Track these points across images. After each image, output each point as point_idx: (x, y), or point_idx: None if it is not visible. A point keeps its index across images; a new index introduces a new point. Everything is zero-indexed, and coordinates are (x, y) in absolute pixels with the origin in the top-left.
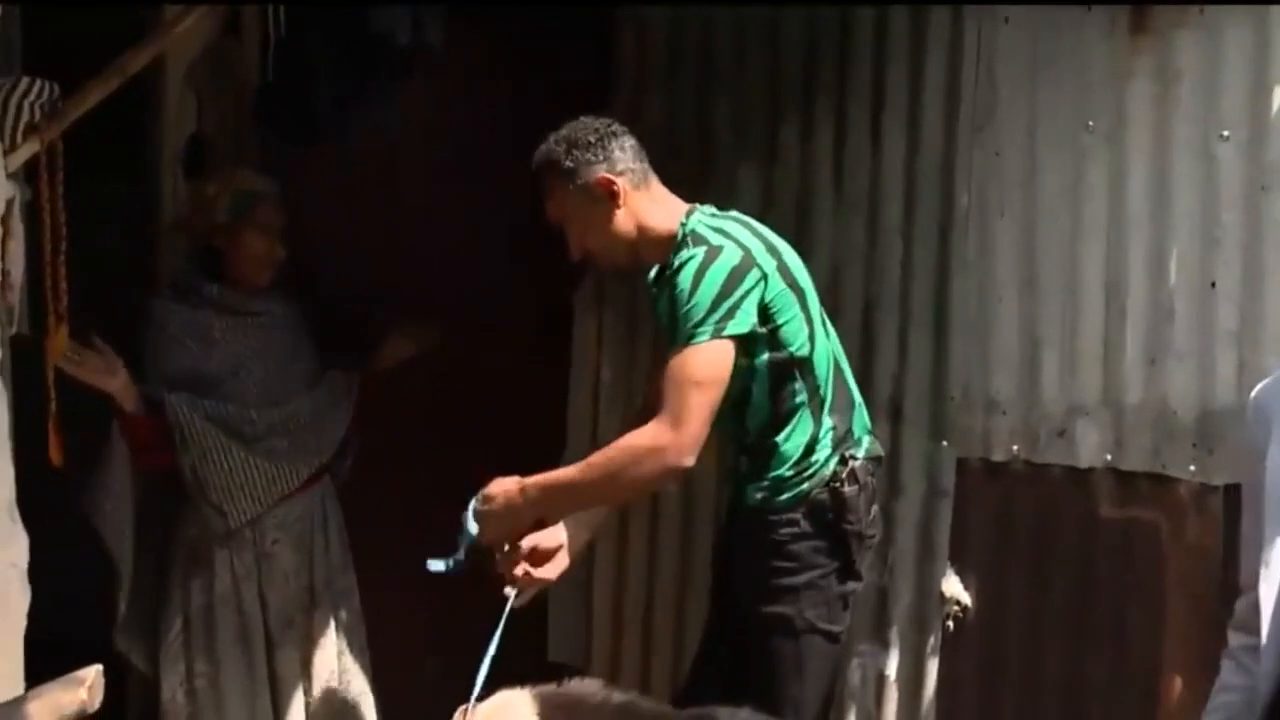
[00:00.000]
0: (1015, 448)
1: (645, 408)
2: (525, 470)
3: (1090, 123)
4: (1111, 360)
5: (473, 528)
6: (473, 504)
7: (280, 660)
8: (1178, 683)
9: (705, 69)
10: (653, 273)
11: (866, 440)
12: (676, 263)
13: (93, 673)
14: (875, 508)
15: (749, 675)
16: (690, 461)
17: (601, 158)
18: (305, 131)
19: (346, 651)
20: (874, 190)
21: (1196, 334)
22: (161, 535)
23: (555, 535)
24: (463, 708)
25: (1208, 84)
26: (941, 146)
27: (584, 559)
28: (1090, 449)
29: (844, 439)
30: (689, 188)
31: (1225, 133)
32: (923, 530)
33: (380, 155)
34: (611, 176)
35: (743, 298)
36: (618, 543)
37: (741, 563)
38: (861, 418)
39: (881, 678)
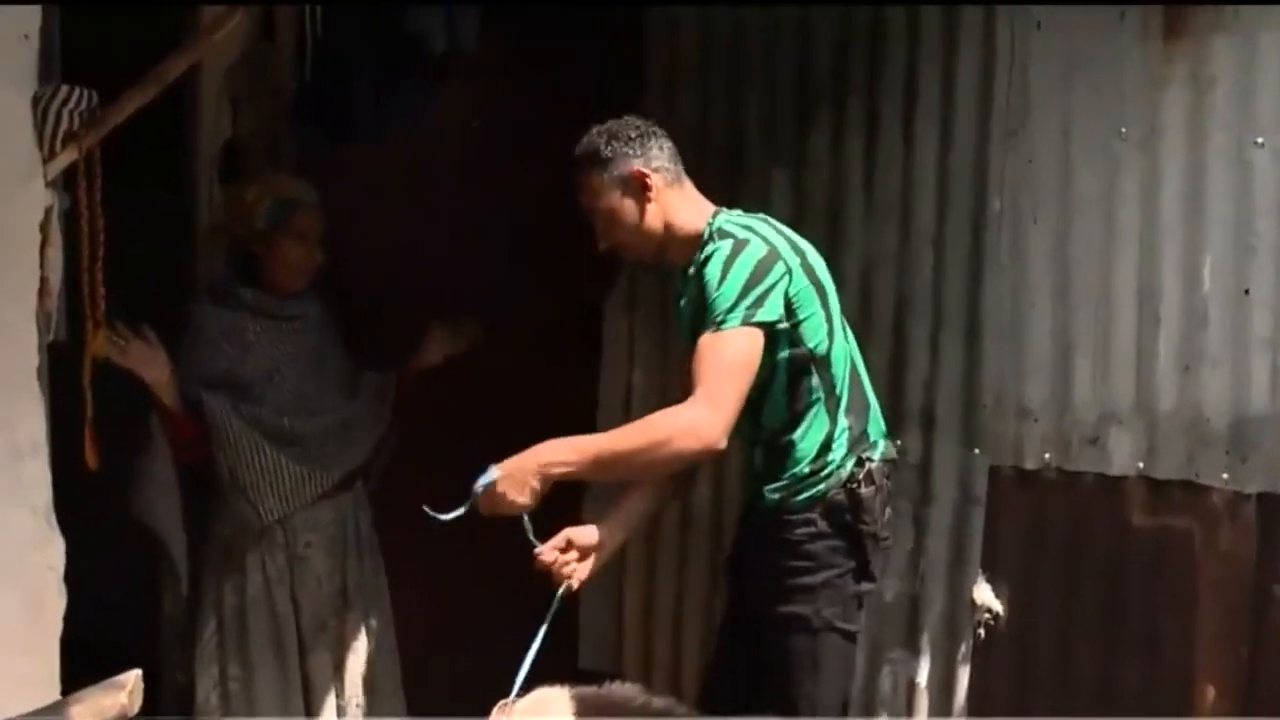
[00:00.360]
0: (1047, 455)
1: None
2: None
3: (1123, 129)
4: (1144, 367)
5: (493, 471)
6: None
7: (312, 664)
8: (1210, 691)
9: (736, 72)
10: (684, 272)
11: (882, 443)
12: (704, 255)
13: (133, 677)
14: (889, 510)
15: (766, 675)
16: (724, 443)
17: (639, 152)
18: (342, 132)
19: (377, 655)
20: (906, 194)
21: (1230, 341)
22: (195, 537)
23: (590, 533)
24: (502, 703)
25: (1242, 90)
26: (974, 151)
27: (615, 565)
28: (1123, 456)
29: (859, 440)
30: (720, 191)
31: (1260, 139)
32: (954, 538)
33: (414, 157)
34: (646, 171)
35: (770, 288)
36: (648, 548)
37: (758, 563)
38: (877, 421)
39: (913, 685)
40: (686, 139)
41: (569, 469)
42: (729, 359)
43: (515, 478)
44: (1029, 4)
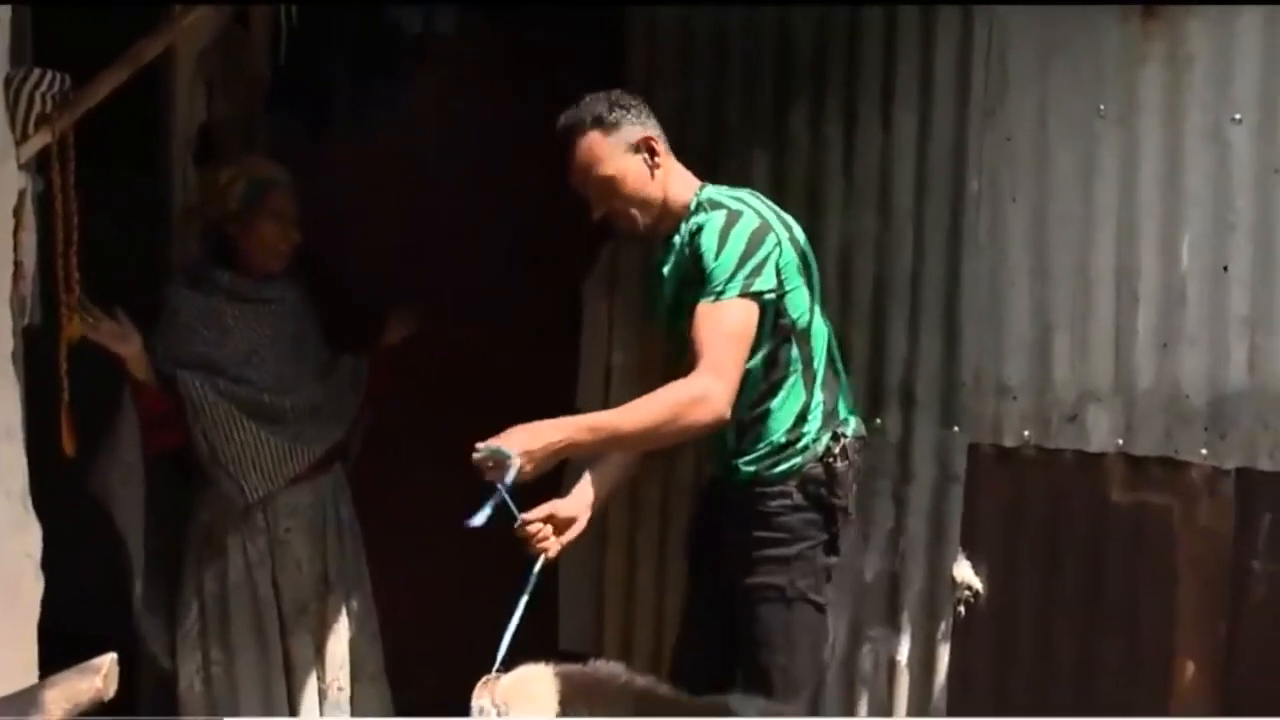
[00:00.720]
0: (1026, 433)
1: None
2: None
3: (1102, 107)
4: (1123, 345)
5: (515, 460)
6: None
7: (294, 647)
8: (1190, 666)
9: (716, 56)
10: (666, 240)
11: (853, 420)
12: (695, 225)
13: (107, 661)
14: (855, 486)
15: (739, 646)
16: (730, 413)
17: (644, 119)
18: (317, 116)
19: (359, 638)
20: (885, 176)
21: (1208, 318)
22: (175, 522)
23: (573, 506)
24: (485, 678)
25: (1220, 67)
26: (952, 131)
27: (595, 546)
28: (1102, 434)
29: (832, 415)
30: (700, 173)
31: (1238, 116)
32: (934, 516)
33: (390, 144)
34: (653, 136)
35: (765, 259)
36: (629, 529)
37: (733, 535)
38: (848, 398)
39: (893, 663)
40: (666, 123)
41: (583, 448)
42: (730, 328)
43: (534, 459)
44: None
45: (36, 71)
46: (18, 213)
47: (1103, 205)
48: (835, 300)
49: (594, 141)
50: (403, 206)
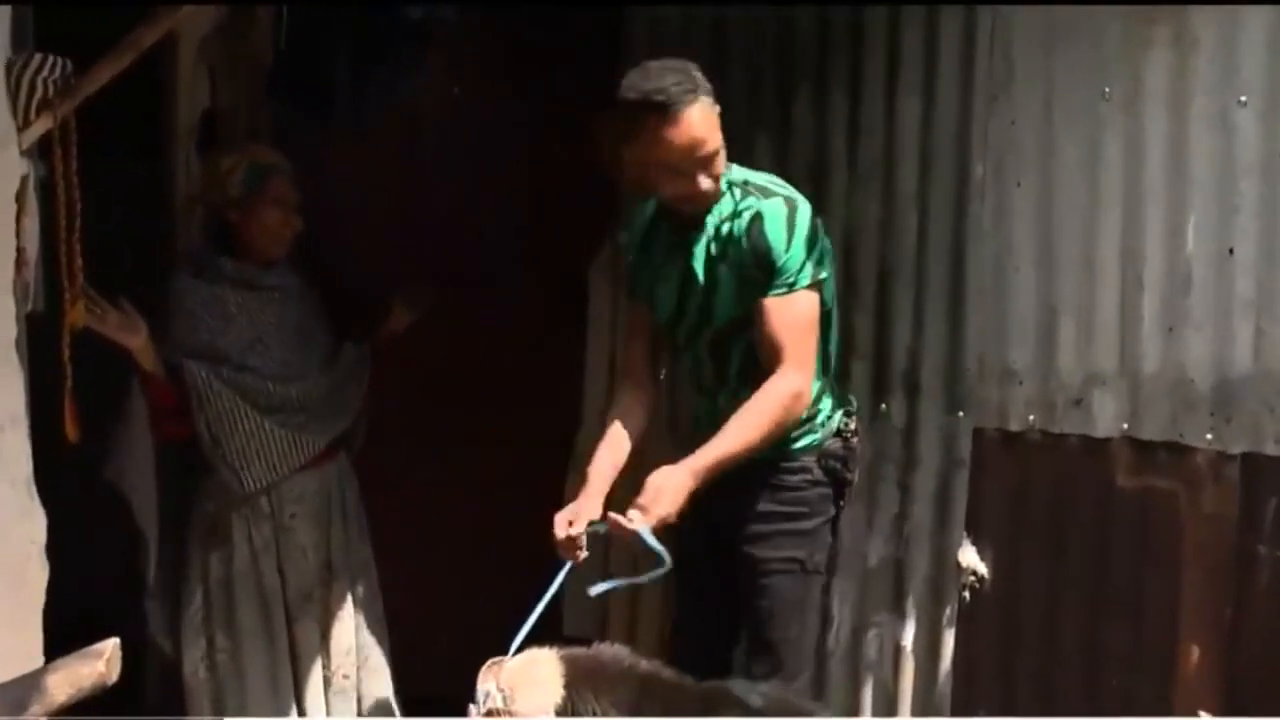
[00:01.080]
0: (1032, 418)
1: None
2: (543, 451)
3: (1106, 91)
4: (1128, 329)
5: (648, 538)
6: (634, 515)
7: (299, 635)
8: (1195, 652)
9: (718, 40)
10: (705, 223)
11: (853, 399)
12: (750, 212)
13: (110, 646)
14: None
15: (747, 619)
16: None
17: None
18: (318, 106)
19: (364, 625)
20: (889, 160)
21: (1214, 303)
22: (180, 510)
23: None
24: (490, 662)
25: (1225, 50)
26: (957, 116)
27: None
28: (1107, 418)
29: (838, 396)
30: None
31: (1243, 99)
32: (939, 501)
33: (393, 129)
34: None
35: (824, 247)
36: None
37: (750, 510)
38: (837, 380)
39: (898, 649)
40: None
41: (697, 488)
42: (806, 320)
43: (670, 519)
44: None
45: (38, 57)
46: (20, 199)
47: (1108, 190)
48: (840, 285)
49: (707, 111)
50: (405, 193)
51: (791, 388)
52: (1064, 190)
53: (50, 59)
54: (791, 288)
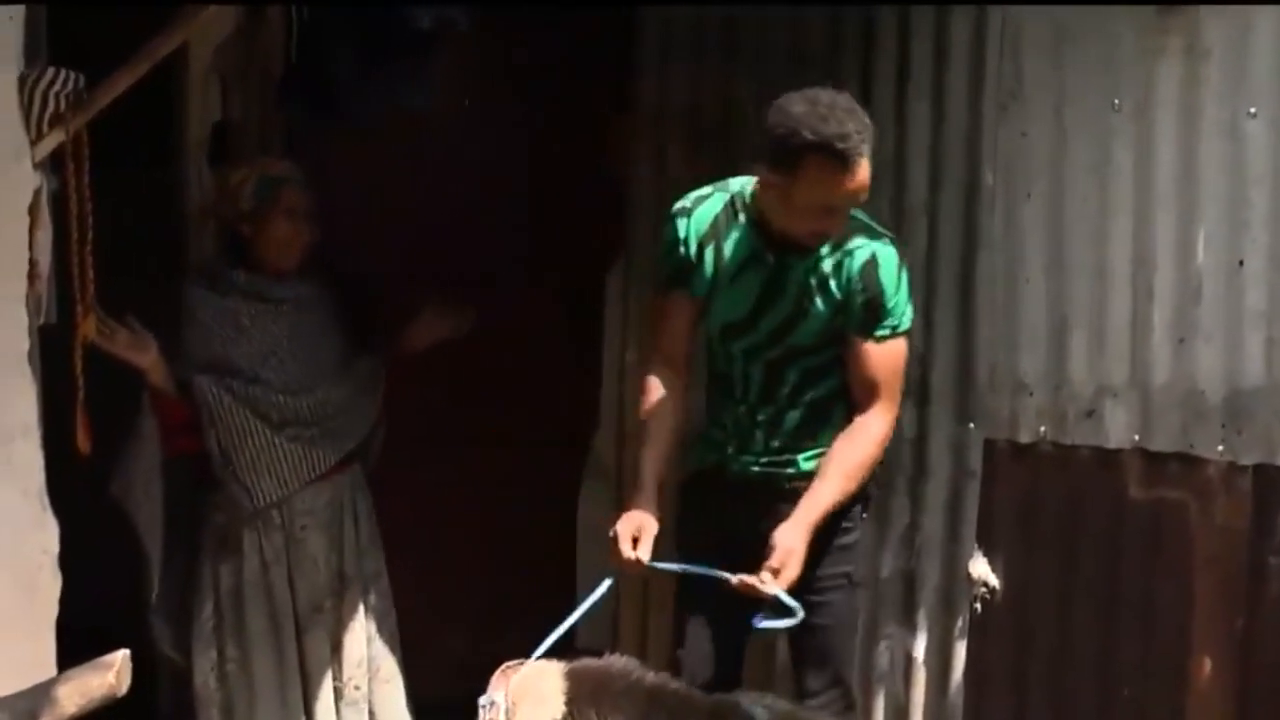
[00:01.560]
0: (1043, 429)
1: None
2: (553, 455)
3: (1117, 101)
4: (1139, 340)
5: (785, 598)
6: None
7: (310, 646)
8: (1207, 663)
9: (728, 47)
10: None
11: None
12: (864, 253)
13: (120, 657)
14: None
15: (804, 634)
16: None
17: None
18: (330, 113)
19: (376, 636)
20: (899, 169)
21: (1224, 313)
22: (191, 522)
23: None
24: (504, 666)
25: (1236, 61)
26: (967, 125)
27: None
28: (1118, 429)
29: None
30: (713, 166)
31: (1253, 109)
32: (950, 512)
33: (406, 135)
34: None
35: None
36: None
37: None
38: None
39: (910, 660)
40: (679, 115)
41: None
42: (902, 364)
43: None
44: None
45: (51, 71)
46: (33, 212)
47: (1118, 200)
48: None
49: (867, 156)
50: (419, 198)
51: (886, 430)
52: (1075, 200)
53: (62, 73)
54: (894, 330)
